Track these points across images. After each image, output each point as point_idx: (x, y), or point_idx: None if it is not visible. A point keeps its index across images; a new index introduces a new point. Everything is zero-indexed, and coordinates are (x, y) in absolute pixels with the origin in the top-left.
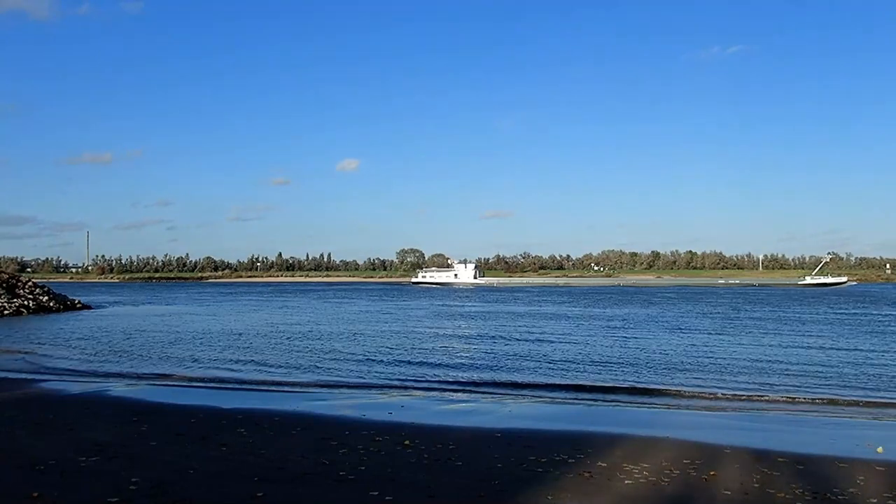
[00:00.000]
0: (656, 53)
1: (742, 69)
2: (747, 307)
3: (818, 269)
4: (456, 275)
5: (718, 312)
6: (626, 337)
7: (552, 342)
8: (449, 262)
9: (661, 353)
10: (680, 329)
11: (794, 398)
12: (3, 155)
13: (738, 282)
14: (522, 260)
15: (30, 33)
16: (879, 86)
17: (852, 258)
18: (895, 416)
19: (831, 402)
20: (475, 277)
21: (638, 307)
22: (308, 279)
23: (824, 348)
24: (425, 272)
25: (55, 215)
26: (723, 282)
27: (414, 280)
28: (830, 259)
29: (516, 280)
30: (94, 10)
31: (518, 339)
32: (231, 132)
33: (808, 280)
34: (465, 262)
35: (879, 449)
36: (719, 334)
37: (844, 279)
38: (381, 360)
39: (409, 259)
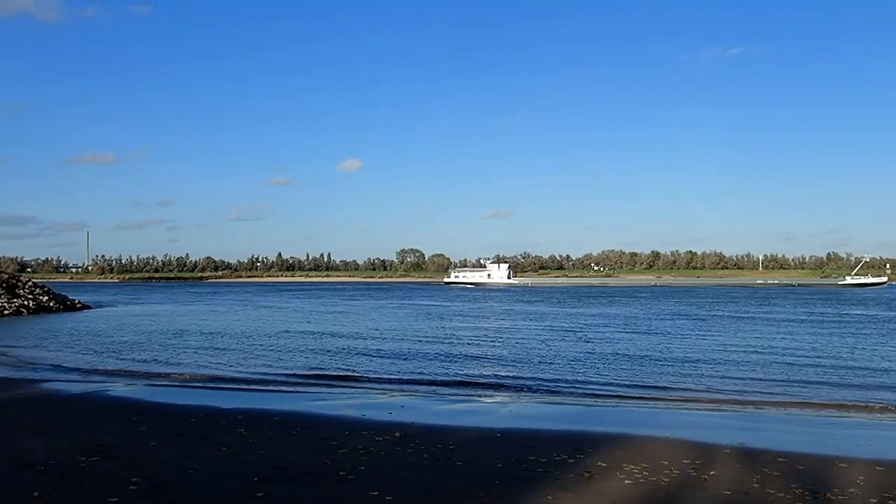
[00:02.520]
0: (657, 54)
1: (743, 70)
2: (797, 308)
3: (857, 268)
4: (489, 275)
5: (768, 316)
6: (646, 332)
7: (567, 343)
8: (482, 261)
9: (675, 351)
10: (708, 330)
11: (796, 398)
12: (3, 155)
13: (776, 282)
14: (522, 260)
15: (36, 34)
16: (879, 87)
17: (852, 258)
18: (895, 417)
19: (832, 402)
20: (508, 278)
21: (682, 305)
22: (308, 279)
23: (832, 350)
24: (458, 272)
25: (55, 215)
26: (761, 282)
27: (446, 280)
28: (869, 259)
29: (550, 280)
30: (101, 12)
31: (532, 341)
32: (232, 132)
33: (849, 280)
34: (497, 261)
35: None
36: (744, 333)
37: (885, 279)
38: (382, 360)
39: (409, 259)
